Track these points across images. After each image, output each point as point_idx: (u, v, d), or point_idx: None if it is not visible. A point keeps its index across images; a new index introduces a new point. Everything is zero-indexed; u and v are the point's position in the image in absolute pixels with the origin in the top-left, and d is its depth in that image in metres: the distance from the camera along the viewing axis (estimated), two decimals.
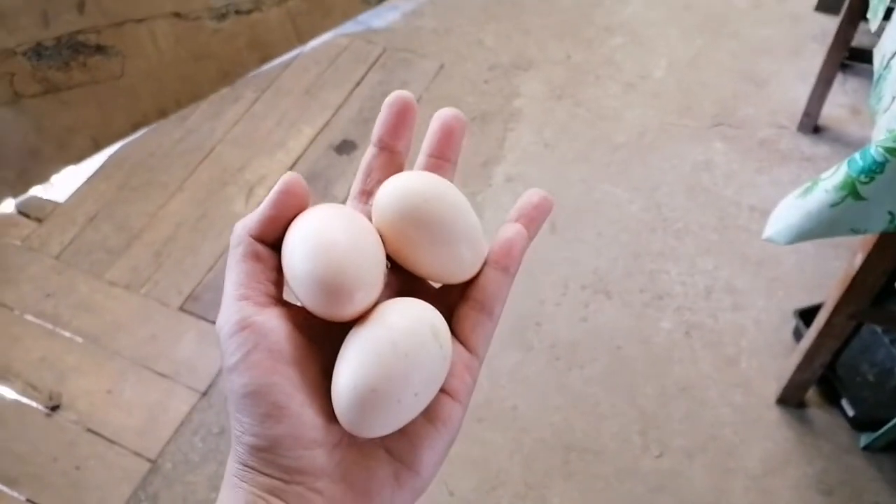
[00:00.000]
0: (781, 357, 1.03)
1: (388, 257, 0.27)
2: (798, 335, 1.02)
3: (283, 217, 0.26)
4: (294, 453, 0.24)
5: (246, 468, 0.24)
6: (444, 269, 0.27)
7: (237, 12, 1.38)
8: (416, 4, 1.63)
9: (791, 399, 0.98)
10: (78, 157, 1.32)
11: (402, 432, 0.25)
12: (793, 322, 1.05)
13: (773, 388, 1.00)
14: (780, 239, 0.64)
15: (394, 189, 0.27)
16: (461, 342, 0.27)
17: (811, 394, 0.99)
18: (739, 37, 1.49)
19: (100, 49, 1.26)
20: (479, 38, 1.55)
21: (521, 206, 0.29)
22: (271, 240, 0.26)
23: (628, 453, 0.96)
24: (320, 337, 0.27)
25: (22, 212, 1.27)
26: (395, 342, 0.24)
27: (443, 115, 0.29)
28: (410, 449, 0.25)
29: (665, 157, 1.29)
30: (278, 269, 0.26)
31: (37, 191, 1.29)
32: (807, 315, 1.01)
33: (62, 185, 1.30)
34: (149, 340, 1.10)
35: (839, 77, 1.31)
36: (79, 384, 1.05)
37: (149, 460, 0.98)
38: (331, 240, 0.25)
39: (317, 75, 1.48)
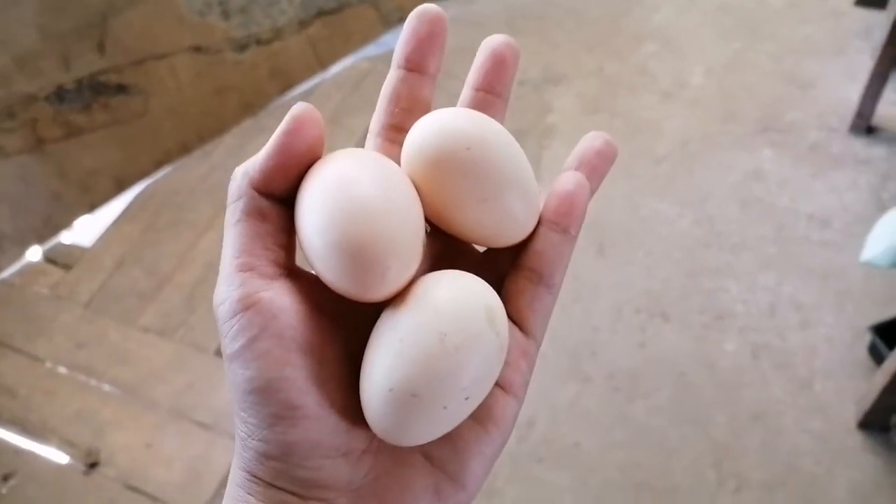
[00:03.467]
0: (858, 377, 0.96)
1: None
2: (875, 352, 0.96)
3: (294, 164, 0.20)
4: (311, 463, 0.19)
5: (253, 479, 0.19)
6: (491, 229, 0.21)
7: (258, 42, 1.35)
8: None
9: (875, 423, 0.91)
10: (102, 200, 1.28)
11: (445, 436, 0.20)
12: (867, 338, 0.98)
13: (853, 411, 0.93)
14: (882, 262, 0.58)
15: (429, 131, 0.21)
16: (515, 322, 0.22)
17: None
18: (778, 37, 1.43)
19: (121, 88, 1.23)
20: None
21: (581, 151, 0.23)
22: (280, 191, 0.20)
23: (704, 490, 0.90)
24: (344, 315, 0.21)
25: (49, 259, 1.23)
26: (443, 333, 0.19)
27: (492, 41, 0.23)
28: (455, 456, 0.20)
29: (711, 168, 1.23)
30: (289, 230, 0.21)
31: (63, 237, 1.25)
32: (883, 331, 0.95)
33: (88, 229, 1.26)
34: (186, 389, 1.05)
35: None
36: (117, 439, 1.01)
37: None
38: (358, 198, 0.19)
39: (340, 101, 1.44)
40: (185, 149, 1.35)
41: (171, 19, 1.24)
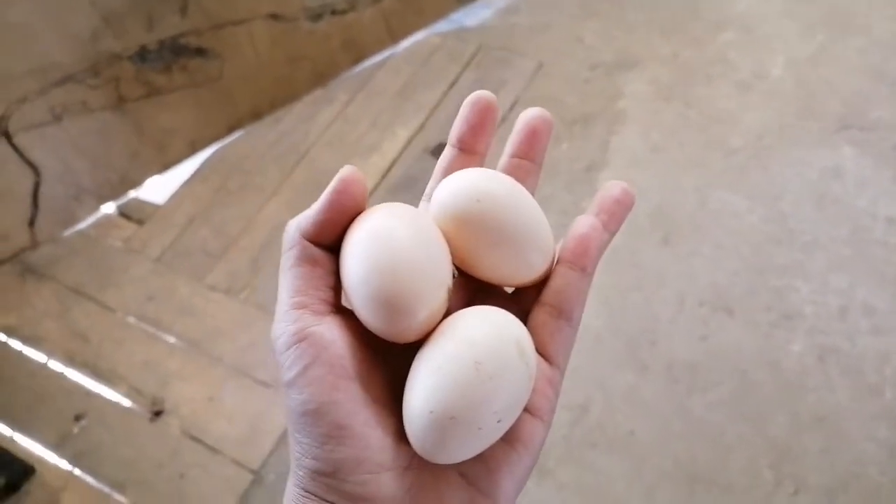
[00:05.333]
0: None
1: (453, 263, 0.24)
2: None
3: (341, 218, 0.23)
4: (358, 478, 0.21)
5: (307, 494, 0.21)
6: (506, 270, 0.24)
7: (332, 13, 1.36)
8: (510, 1, 1.57)
9: None
10: (176, 160, 1.32)
11: (479, 456, 0.22)
12: None
13: None
14: None
15: (449, 188, 0.24)
16: (540, 352, 0.24)
17: None
18: (868, 31, 1.37)
19: (200, 51, 1.25)
20: (578, 36, 1.48)
21: (600, 199, 0.25)
22: (328, 241, 0.23)
23: (760, 489, 0.88)
24: (385, 347, 0.23)
25: (123, 213, 1.28)
26: (479, 362, 0.21)
27: (528, 114, 0.26)
28: (487, 474, 0.22)
29: (787, 163, 1.19)
30: (336, 273, 0.23)
31: (137, 193, 1.30)
32: None
33: (161, 187, 1.30)
34: (249, 348, 1.08)
35: None
36: (181, 390, 1.04)
37: (251, 471, 0.96)
38: (391, 250, 0.22)
39: (410, 76, 1.44)
40: (256, 115, 1.37)
41: None
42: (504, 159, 0.27)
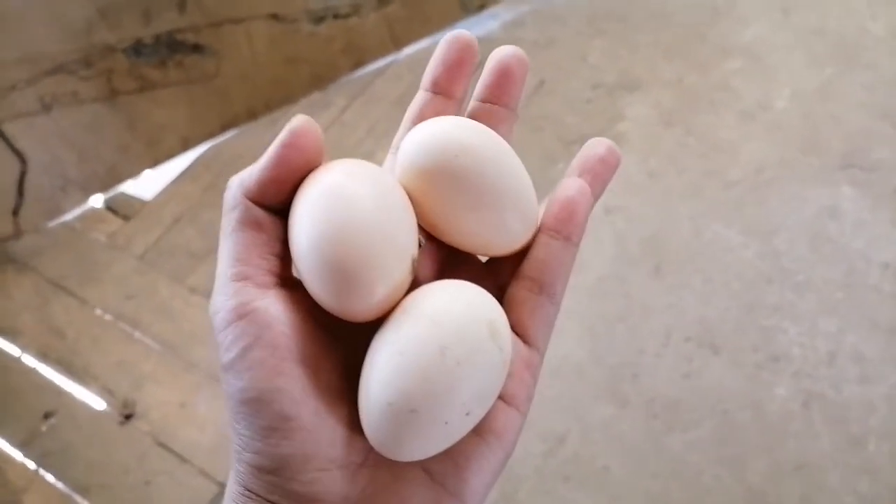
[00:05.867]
0: None
1: (420, 227, 0.21)
2: None
3: (290, 177, 0.20)
4: (306, 476, 0.19)
5: (247, 493, 0.19)
6: (485, 238, 0.21)
7: (335, 16, 1.34)
8: (516, 14, 1.55)
9: None
10: (167, 156, 1.30)
11: (447, 450, 0.20)
12: None
13: None
14: None
15: (419, 140, 0.21)
16: (517, 332, 0.21)
17: None
18: (876, 68, 1.35)
19: (197, 48, 1.23)
20: (583, 54, 1.46)
21: (583, 158, 0.23)
22: (276, 202, 0.21)
23: None
24: (341, 325, 0.20)
25: (110, 207, 1.26)
26: (444, 347, 0.18)
27: (499, 52, 0.23)
28: (455, 470, 0.20)
29: (785, 199, 1.18)
30: (284, 240, 0.21)
31: (125, 187, 1.28)
32: None
33: (150, 182, 1.29)
34: None
35: None
36: (153, 393, 1.03)
37: (218, 483, 0.94)
38: (346, 212, 0.19)
39: (410, 84, 1.42)
40: (251, 114, 1.35)
41: None
42: (473, 104, 0.24)
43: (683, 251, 1.13)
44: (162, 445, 0.98)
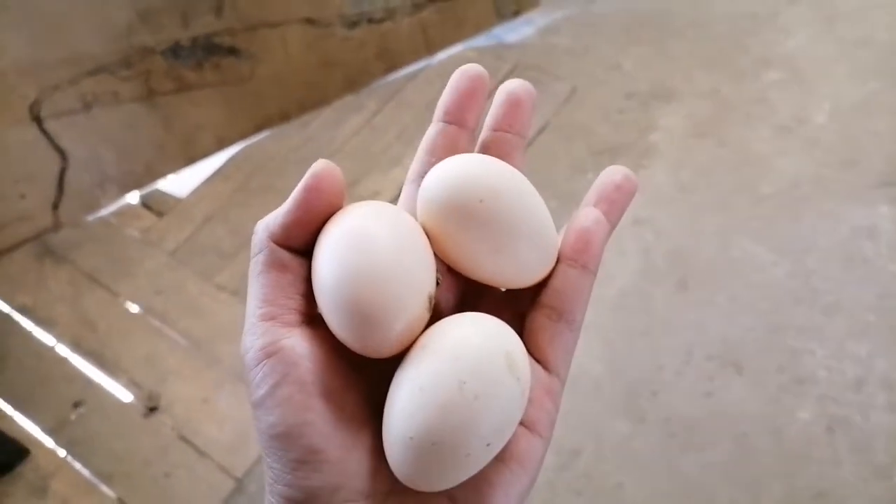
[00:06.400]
0: None
1: (440, 261, 0.22)
2: None
3: (312, 219, 0.21)
4: None
5: None
6: (507, 276, 0.22)
7: (369, 21, 1.35)
8: (551, 20, 1.54)
9: None
10: (201, 155, 1.33)
11: (471, 478, 0.20)
12: None
13: None
14: None
15: (443, 180, 0.21)
16: (537, 360, 0.22)
17: None
18: None
19: (232, 51, 1.26)
20: (617, 62, 1.44)
21: (600, 186, 0.23)
22: (300, 244, 0.21)
23: None
24: (363, 359, 0.21)
25: (145, 204, 1.30)
26: (463, 381, 0.19)
27: (508, 85, 0.24)
28: (479, 497, 0.20)
29: (819, 217, 1.14)
30: (309, 280, 0.21)
31: (161, 185, 1.32)
32: None
33: (184, 181, 1.32)
34: None
35: None
36: (177, 388, 1.06)
37: (235, 478, 0.96)
38: (365, 254, 0.20)
39: (441, 89, 1.42)
40: (285, 116, 1.38)
41: None
42: (485, 133, 0.25)
43: (710, 267, 1.11)
44: (183, 439, 1.01)
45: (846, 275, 1.07)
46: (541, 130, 1.31)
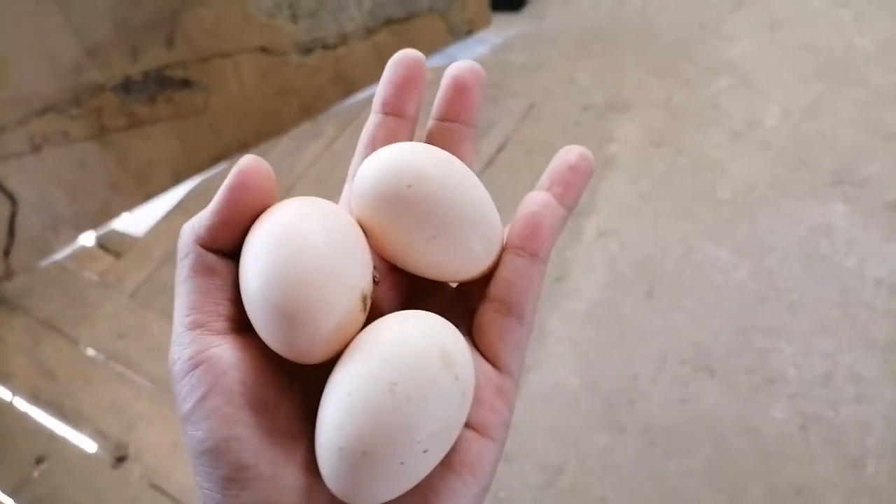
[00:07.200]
0: None
1: (380, 258, 0.21)
2: None
3: (240, 219, 0.20)
4: None
5: None
6: (447, 266, 0.20)
7: (323, 47, 1.35)
8: (504, 38, 1.56)
9: None
10: (158, 191, 1.30)
11: (414, 487, 0.19)
12: None
13: None
14: None
15: (372, 169, 0.20)
16: (487, 358, 0.20)
17: None
18: (865, 84, 1.35)
19: (185, 83, 1.24)
20: (571, 76, 1.46)
21: (553, 168, 0.22)
22: (229, 246, 0.20)
23: None
24: (298, 367, 0.20)
25: (102, 245, 1.26)
26: (393, 383, 0.17)
27: (454, 68, 0.23)
28: None
29: (777, 218, 1.17)
30: (238, 284, 0.20)
31: (117, 224, 1.28)
32: None
33: (141, 219, 1.29)
34: None
35: None
36: (146, 434, 1.02)
37: None
38: (291, 253, 0.19)
39: None
40: (242, 147, 1.36)
41: (240, 19, 1.25)
42: (431, 123, 0.24)
43: (676, 273, 1.12)
44: (155, 488, 0.97)
45: (807, 273, 1.10)
46: (501, 148, 1.32)
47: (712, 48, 1.48)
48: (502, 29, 1.57)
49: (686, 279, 1.11)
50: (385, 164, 0.21)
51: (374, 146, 0.23)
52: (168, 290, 1.17)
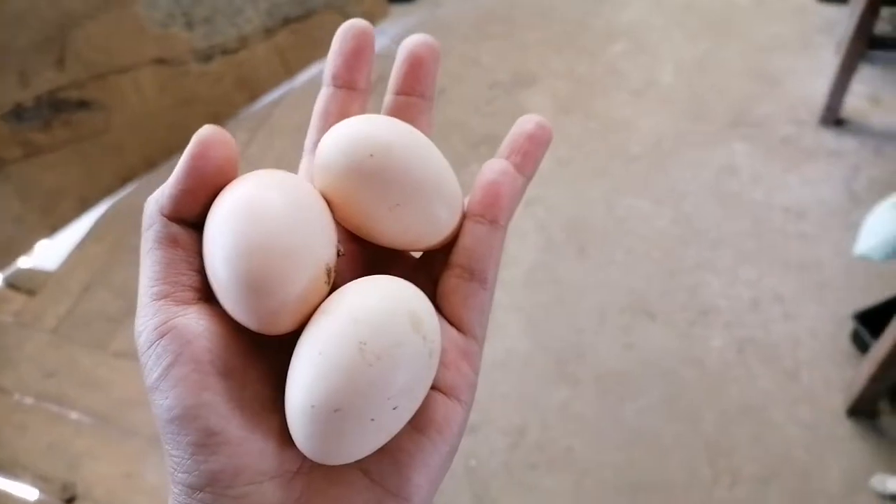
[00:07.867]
0: (844, 365, 0.97)
1: (343, 230, 0.21)
2: (858, 340, 0.97)
3: (202, 188, 0.20)
4: (238, 490, 0.18)
5: None
6: (410, 234, 0.21)
7: (223, 52, 1.32)
8: (403, 28, 1.58)
9: (863, 410, 0.92)
10: (65, 221, 1.23)
11: (384, 449, 0.19)
12: (849, 327, 0.99)
13: (840, 399, 0.94)
14: (877, 255, 0.58)
15: (333, 142, 0.21)
16: (451, 322, 0.21)
17: (883, 401, 0.94)
18: (745, 36, 1.45)
19: (82, 104, 1.18)
20: (475, 58, 1.49)
21: (511, 137, 0.23)
22: (193, 216, 0.20)
23: (699, 486, 0.89)
24: (268, 339, 0.20)
25: (12, 285, 1.18)
26: (363, 342, 0.18)
27: (409, 42, 0.23)
28: (395, 469, 0.19)
29: (686, 165, 1.24)
30: (202, 254, 0.20)
31: (25, 261, 1.20)
32: (865, 318, 0.96)
33: (52, 252, 1.21)
34: None
35: None
36: (93, 469, 0.96)
37: None
38: (255, 224, 0.19)
39: (309, 110, 1.39)
40: (150, 164, 1.30)
41: (133, 31, 1.20)
42: (388, 98, 0.24)
43: (603, 229, 1.17)
44: None
45: (721, 211, 1.17)
46: None
47: (604, 18, 1.55)
48: (400, 19, 1.58)
49: (613, 233, 1.16)
50: (346, 135, 0.21)
51: (327, 119, 0.23)
52: (92, 322, 1.11)
